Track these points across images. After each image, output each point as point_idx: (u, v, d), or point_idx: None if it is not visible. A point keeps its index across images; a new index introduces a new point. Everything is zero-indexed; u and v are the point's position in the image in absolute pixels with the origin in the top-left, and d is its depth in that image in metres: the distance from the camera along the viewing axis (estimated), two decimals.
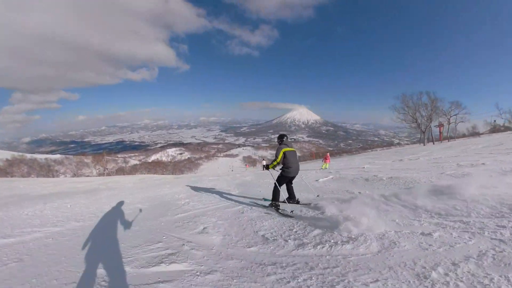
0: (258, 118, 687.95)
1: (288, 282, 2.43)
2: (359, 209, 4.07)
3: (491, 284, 2.00)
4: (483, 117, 78.74)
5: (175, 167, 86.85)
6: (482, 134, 48.90)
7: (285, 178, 5.42)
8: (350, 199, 5.14)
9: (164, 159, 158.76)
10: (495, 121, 53.81)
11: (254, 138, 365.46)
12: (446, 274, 2.22)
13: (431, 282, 2.15)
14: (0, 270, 3.05)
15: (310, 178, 10.79)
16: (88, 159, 64.66)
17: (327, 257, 2.91)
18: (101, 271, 2.93)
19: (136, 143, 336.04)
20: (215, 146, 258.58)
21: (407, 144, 70.65)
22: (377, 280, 2.28)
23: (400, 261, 2.58)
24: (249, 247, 3.51)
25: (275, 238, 3.71)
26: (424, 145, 41.79)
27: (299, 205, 5.44)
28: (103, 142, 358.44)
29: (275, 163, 5.37)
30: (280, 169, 5.45)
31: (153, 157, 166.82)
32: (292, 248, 3.29)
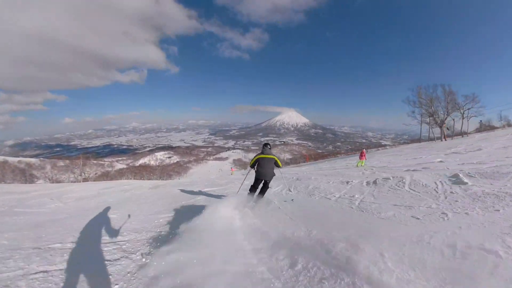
0: (248, 121, 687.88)
1: None
2: None
3: None
4: (497, 110, 71.70)
5: (163, 171, 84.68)
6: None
7: (256, 178, 6.36)
8: None
9: (152, 163, 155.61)
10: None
11: (244, 141, 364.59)
12: None
13: None
14: None
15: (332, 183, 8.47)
16: (64, 163, 61.38)
17: None
18: None
19: (124, 147, 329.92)
20: (204, 150, 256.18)
21: (405, 143, 70.42)
22: None
23: None
24: None
25: None
26: (441, 140, 39.66)
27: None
28: (90, 145, 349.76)
29: (249, 166, 6.66)
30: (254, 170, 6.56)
31: (141, 161, 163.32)
32: None
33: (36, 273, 2.91)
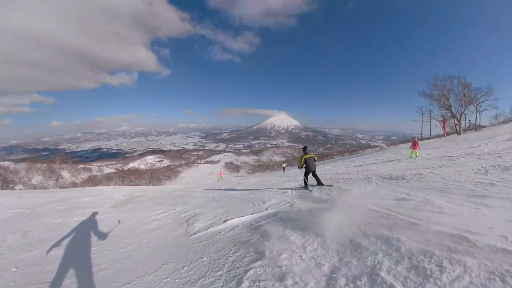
0: (239, 124, 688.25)
1: None
2: None
3: None
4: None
5: (153, 176, 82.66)
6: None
7: (307, 172, 8.67)
8: None
9: (142, 167, 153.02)
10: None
11: (235, 144, 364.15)
12: None
13: None
14: None
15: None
16: (41, 166, 58.31)
17: None
18: None
19: (114, 151, 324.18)
20: (195, 153, 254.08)
21: (391, 144, 70.87)
22: None
23: None
24: None
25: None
26: (458, 134, 38.33)
27: (324, 186, 8.28)
28: (79, 149, 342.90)
29: (300, 166, 8.87)
30: (303, 167, 8.79)
31: (131, 165, 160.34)
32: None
33: None
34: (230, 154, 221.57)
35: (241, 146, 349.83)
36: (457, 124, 40.87)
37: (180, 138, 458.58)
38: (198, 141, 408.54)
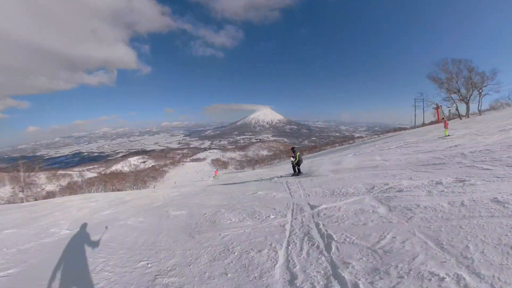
0: (223, 120, 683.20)
1: None
2: None
3: None
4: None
5: (137, 177, 79.36)
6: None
7: (298, 164, 11.90)
8: None
9: (126, 169, 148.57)
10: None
11: (220, 141, 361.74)
12: None
13: None
14: None
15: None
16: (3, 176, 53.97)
17: None
18: None
19: (95, 154, 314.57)
20: (180, 152, 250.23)
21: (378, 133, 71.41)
22: None
23: None
24: None
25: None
26: (467, 117, 38.26)
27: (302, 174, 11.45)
28: (58, 155, 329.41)
29: (295, 160, 11.87)
30: (292, 161, 12.04)
31: (114, 168, 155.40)
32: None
33: None
34: (216, 151, 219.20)
35: (226, 142, 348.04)
36: (457, 109, 40.92)
37: (164, 137, 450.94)
38: (182, 139, 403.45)
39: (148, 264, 3.63)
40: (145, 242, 4.63)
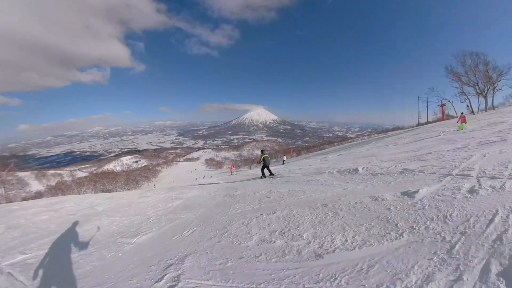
0: (216, 120, 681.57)
1: None
2: None
3: None
4: None
5: (129, 177, 77.71)
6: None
7: (264, 166, 11.61)
8: None
9: (118, 168, 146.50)
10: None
11: (213, 141, 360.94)
12: None
13: None
14: None
15: None
16: None
17: None
18: None
19: (87, 153, 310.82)
20: (173, 151, 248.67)
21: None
22: None
23: None
24: None
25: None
26: (485, 110, 37.27)
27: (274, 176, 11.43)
28: (49, 154, 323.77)
29: (259, 161, 11.89)
30: (260, 163, 11.98)
31: (106, 167, 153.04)
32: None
33: None
34: (209, 150, 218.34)
35: (219, 142, 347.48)
36: (468, 105, 39.96)
37: (157, 136, 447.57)
38: (176, 139, 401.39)
39: None
40: None
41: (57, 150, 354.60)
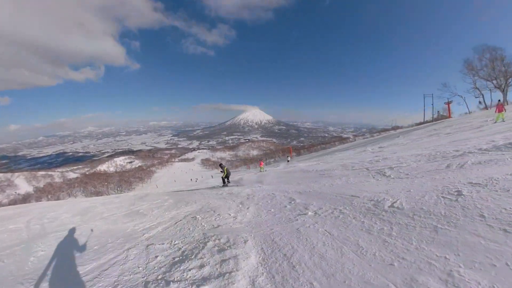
0: (211, 120, 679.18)
1: None
2: None
3: None
4: None
5: (122, 178, 75.19)
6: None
7: (227, 176, 13.25)
8: None
9: (111, 169, 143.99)
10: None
11: (208, 141, 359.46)
12: None
13: None
14: None
15: None
16: None
17: None
18: None
19: (80, 154, 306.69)
20: (168, 152, 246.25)
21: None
22: None
23: None
24: None
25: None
26: (507, 104, 35.10)
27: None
28: (41, 155, 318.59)
29: (224, 174, 13.22)
30: (222, 172, 13.51)
31: (99, 169, 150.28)
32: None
33: None
34: (205, 150, 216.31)
35: (214, 142, 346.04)
36: (482, 101, 39.25)
37: (151, 136, 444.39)
38: (170, 139, 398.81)
39: None
40: None
41: (49, 150, 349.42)
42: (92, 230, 5.98)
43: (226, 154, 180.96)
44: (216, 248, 3.36)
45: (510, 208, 2.76)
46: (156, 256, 3.42)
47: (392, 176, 5.94)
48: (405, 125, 57.19)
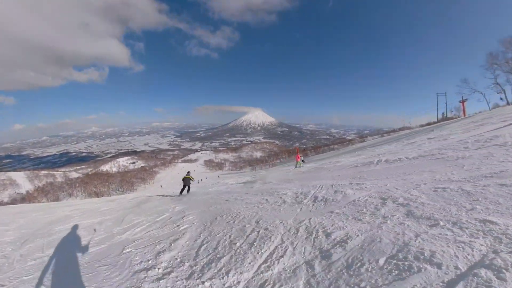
0: (214, 122, 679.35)
1: None
2: None
3: None
4: None
5: (123, 179, 73.80)
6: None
7: (184, 185, 13.98)
8: None
9: (114, 170, 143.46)
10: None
11: (211, 143, 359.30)
12: None
13: None
14: None
15: None
16: None
17: None
18: None
19: (83, 154, 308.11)
20: (171, 153, 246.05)
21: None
22: None
23: None
24: None
25: None
26: None
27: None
28: (45, 154, 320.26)
29: (192, 181, 14.49)
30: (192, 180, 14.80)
31: (102, 169, 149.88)
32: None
33: None
34: (208, 152, 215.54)
35: (217, 144, 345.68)
36: (503, 97, 37.65)
37: (154, 138, 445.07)
38: (173, 140, 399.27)
39: None
40: None
41: (53, 150, 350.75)
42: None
43: (229, 156, 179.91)
44: None
45: None
46: None
47: None
48: (413, 126, 56.50)
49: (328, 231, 3.39)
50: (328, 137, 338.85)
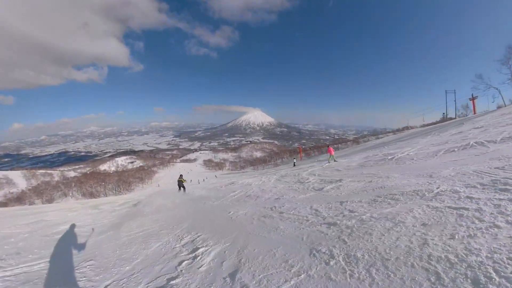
0: (213, 121, 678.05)
1: None
2: None
3: None
4: None
5: (120, 178, 72.44)
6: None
7: (178, 186, 17.70)
8: None
9: (113, 169, 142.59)
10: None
11: (210, 142, 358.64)
12: None
13: None
14: None
15: None
16: None
17: None
18: None
19: (82, 154, 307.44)
20: (169, 153, 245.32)
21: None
22: None
23: None
24: None
25: None
26: None
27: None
28: (43, 154, 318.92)
29: (184, 182, 17.77)
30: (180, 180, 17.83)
31: (100, 168, 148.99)
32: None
33: None
34: (207, 151, 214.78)
35: (216, 144, 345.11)
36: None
37: (153, 137, 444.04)
38: (172, 140, 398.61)
39: None
40: None
41: (51, 149, 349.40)
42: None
43: (229, 155, 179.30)
44: None
45: None
46: None
47: None
48: (417, 125, 56.06)
49: None
50: (327, 137, 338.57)
